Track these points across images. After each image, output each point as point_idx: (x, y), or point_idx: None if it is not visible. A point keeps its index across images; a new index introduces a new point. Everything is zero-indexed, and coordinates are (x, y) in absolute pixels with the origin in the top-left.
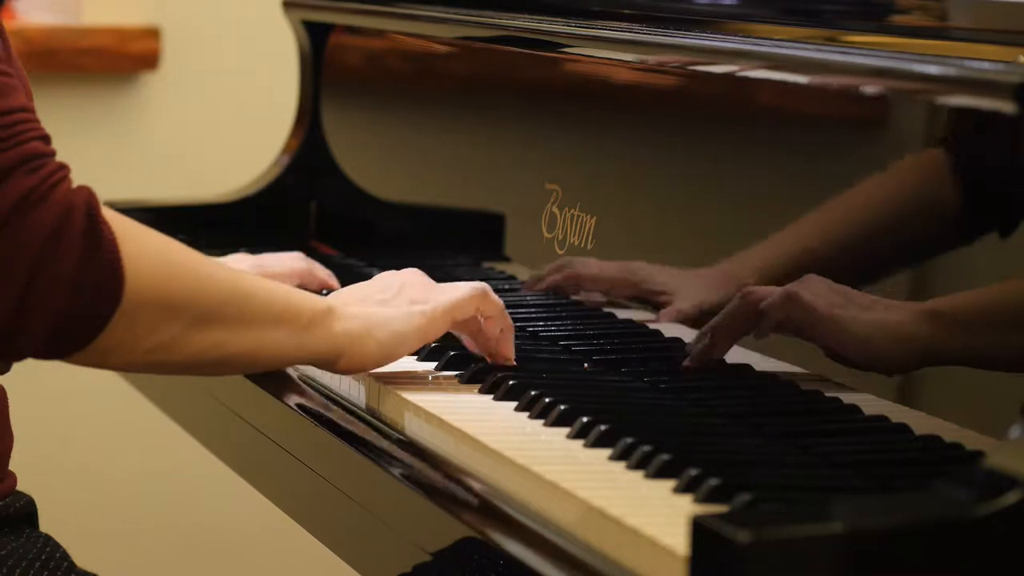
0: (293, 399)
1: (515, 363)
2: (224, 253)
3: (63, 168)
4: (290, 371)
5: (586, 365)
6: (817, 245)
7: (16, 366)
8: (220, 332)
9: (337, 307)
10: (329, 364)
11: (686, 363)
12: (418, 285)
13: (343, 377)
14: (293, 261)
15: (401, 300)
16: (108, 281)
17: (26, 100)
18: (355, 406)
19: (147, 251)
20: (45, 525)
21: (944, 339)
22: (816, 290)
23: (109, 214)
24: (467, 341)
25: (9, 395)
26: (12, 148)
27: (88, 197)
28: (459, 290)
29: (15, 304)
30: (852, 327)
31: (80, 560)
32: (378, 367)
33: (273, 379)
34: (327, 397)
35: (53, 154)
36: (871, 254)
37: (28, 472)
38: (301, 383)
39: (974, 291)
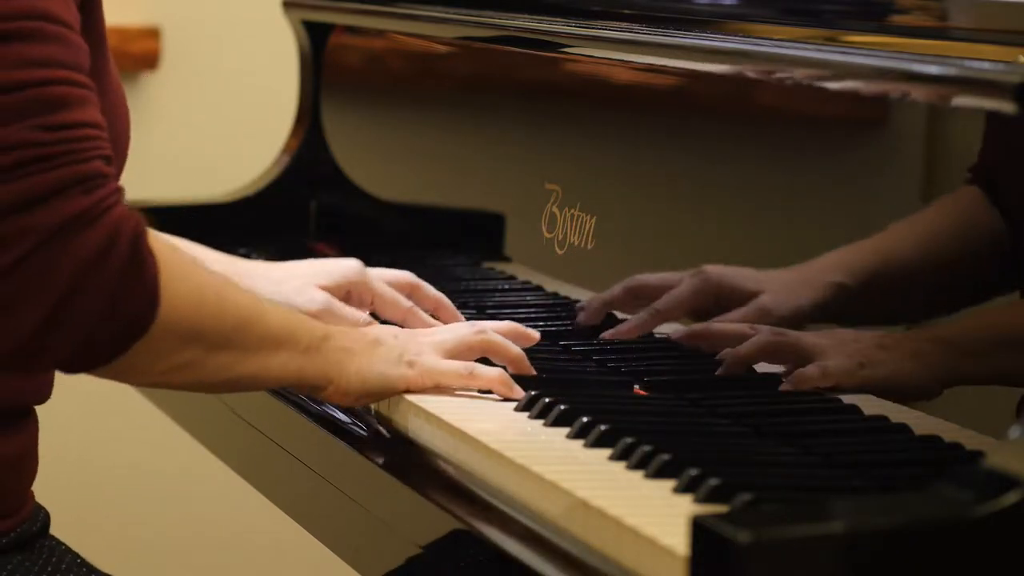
0: (294, 400)
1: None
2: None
3: (118, 192)
4: None
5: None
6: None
7: None
8: (231, 355)
9: (334, 334)
10: (318, 390)
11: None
12: (407, 335)
13: None
14: (348, 270)
15: (394, 348)
16: (142, 310)
17: (99, 115)
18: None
19: (184, 281)
20: (53, 528)
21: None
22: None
23: (155, 242)
24: None
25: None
26: (73, 164)
27: (136, 225)
28: (446, 366)
29: (45, 320)
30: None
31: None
32: (358, 404)
33: None
34: None
35: (112, 176)
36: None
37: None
38: None
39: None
